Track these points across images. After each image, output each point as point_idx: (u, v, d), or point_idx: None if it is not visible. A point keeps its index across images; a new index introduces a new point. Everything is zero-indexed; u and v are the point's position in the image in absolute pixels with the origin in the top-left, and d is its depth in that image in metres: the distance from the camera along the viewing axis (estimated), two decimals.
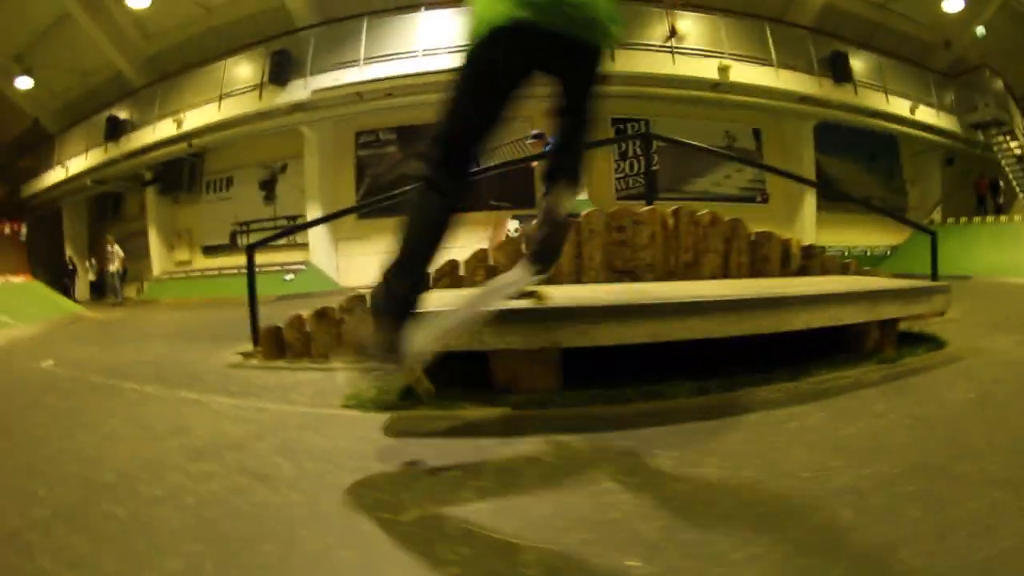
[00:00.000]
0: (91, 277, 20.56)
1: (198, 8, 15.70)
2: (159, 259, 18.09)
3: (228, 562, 1.45)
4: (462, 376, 2.86)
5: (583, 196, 12.92)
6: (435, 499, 1.72)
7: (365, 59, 12.79)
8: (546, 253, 2.70)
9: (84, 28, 16.61)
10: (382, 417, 2.58)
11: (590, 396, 2.60)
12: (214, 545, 1.52)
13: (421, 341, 1.95)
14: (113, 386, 3.84)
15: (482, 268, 4.06)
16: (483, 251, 4.18)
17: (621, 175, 15.10)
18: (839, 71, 15.00)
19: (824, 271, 4.46)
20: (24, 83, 18.59)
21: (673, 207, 4.32)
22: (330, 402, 2.95)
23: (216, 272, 15.72)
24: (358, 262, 14.00)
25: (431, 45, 12.43)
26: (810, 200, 15.53)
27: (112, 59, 17.39)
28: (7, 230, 21.47)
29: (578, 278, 4.15)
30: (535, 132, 8.79)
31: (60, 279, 18.63)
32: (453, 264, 4.08)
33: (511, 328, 2.59)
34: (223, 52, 15.04)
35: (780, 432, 2.18)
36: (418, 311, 2.06)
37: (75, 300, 14.73)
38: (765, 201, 16.08)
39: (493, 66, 1.94)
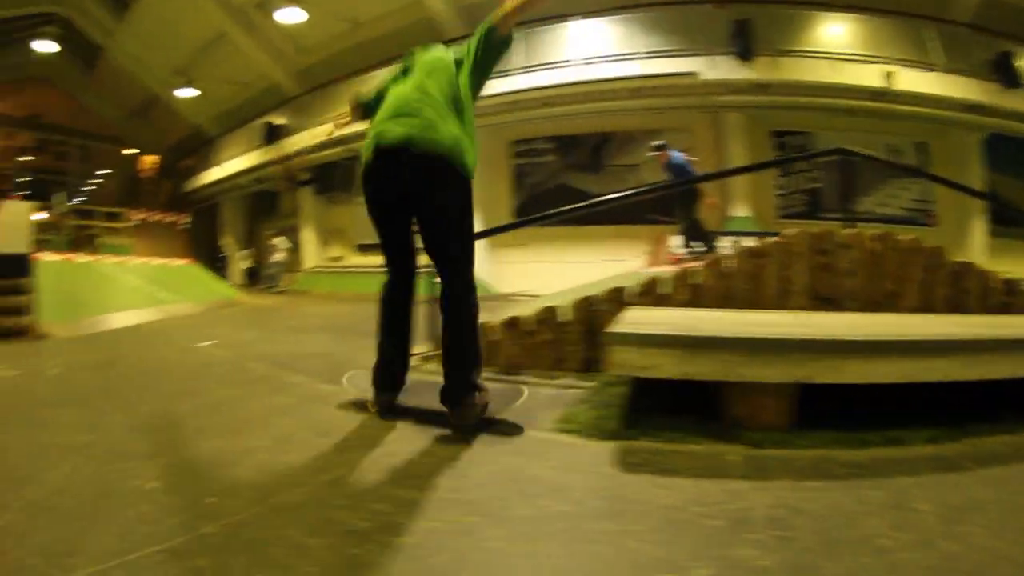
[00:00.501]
0: (248, 265, 22.65)
1: (346, 24, 16.69)
2: (312, 253, 19.56)
3: None
4: (665, 403, 2.78)
5: (746, 213, 13.07)
6: (717, 557, 1.54)
7: (520, 68, 13.03)
8: None
9: (240, 45, 18.40)
10: (606, 447, 2.41)
11: (829, 438, 2.43)
12: None
13: None
14: (278, 378, 3.94)
15: (685, 287, 3.95)
16: (686, 270, 4.06)
17: (783, 192, 14.20)
18: (1007, 74, 12.97)
19: None
20: (186, 93, 20.78)
21: (876, 231, 4.06)
22: (539, 423, 2.77)
23: (368, 269, 16.57)
24: (514, 269, 14.29)
25: (587, 54, 12.57)
26: (980, 224, 13.71)
27: (268, 71, 19.02)
28: (172, 221, 24.02)
29: (781, 303, 3.90)
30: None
31: (215, 266, 20.56)
32: (651, 282, 3.99)
33: (767, 359, 2.46)
34: (375, 63, 15.71)
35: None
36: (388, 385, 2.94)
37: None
38: (932, 224, 14.25)
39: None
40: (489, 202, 14.94)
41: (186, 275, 11.61)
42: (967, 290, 3.95)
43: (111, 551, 1.54)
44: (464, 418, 2.65)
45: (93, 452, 2.45)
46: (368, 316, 8.67)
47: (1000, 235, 13.59)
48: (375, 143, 2.62)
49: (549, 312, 4.03)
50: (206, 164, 22.92)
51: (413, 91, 2.71)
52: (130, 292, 9.13)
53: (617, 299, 3.95)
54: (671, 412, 2.68)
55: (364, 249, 18.13)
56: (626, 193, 7.18)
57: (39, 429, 2.83)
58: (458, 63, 2.91)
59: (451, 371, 2.72)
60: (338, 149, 16.69)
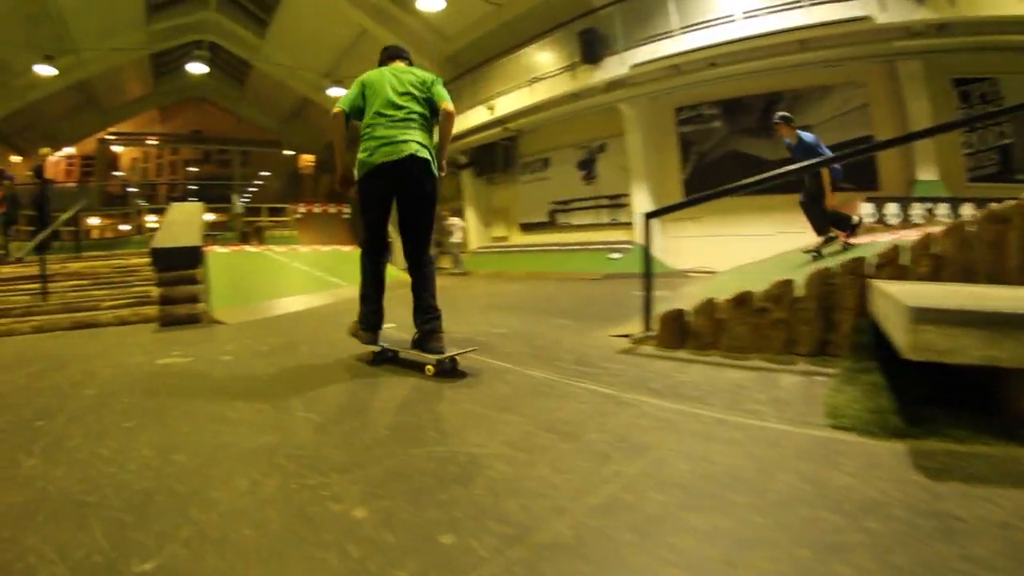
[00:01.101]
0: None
1: (489, 6, 16.29)
2: (476, 234, 19.57)
3: None
4: (925, 393, 2.44)
5: (932, 177, 11.13)
6: None
7: (680, 29, 11.91)
8: None
9: (382, 40, 18.21)
10: (895, 448, 2.11)
11: None
12: None
13: None
14: (488, 365, 3.60)
15: (927, 258, 3.33)
16: (927, 237, 3.39)
17: (971, 151, 11.76)
18: None
19: None
20: (336, 92, 21.42)
21: None
22: (806, 417, 2.44)
23: (535, 248, 16.37)
24: (685, 244, 13.36)
25: (749, 7, 11.14)
26: None
27: (415, 62, 18.84)
28: (333, 211, 25.39)
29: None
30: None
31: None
32: (893, 251, 3.42)
33: None
34: (524, 41, 15.38)
35: None
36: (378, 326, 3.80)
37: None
38: None
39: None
40: (657, 174, 14.18)
41: (353, 259, 11.61)
42: None
43: None
44: (442, 350, 3.43)
45: (277, 459, 2.10)
46: (545, 295, 8.20)
47: None
48: (395, 154, 3.49)
49: (783, 286, 3.61)
50: None
51: (408, 114, 3.60)
52: (299, 278, 9.26)
53: (856, 271, 3.45)
54: (940, 404, 2.38)
55: (527, 228, 17.99)
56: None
57: (213, 425, 2.55)
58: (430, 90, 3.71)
59: (432, 318, 3.55)
60: (496, 130, 16.54)
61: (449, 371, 3.33)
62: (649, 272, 4.42)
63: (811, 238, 7.56)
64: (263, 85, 26.05)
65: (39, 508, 1.73)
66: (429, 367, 3.33)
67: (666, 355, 3.74)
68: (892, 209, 10.11)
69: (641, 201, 13.96)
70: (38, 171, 10.79)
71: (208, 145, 31.82)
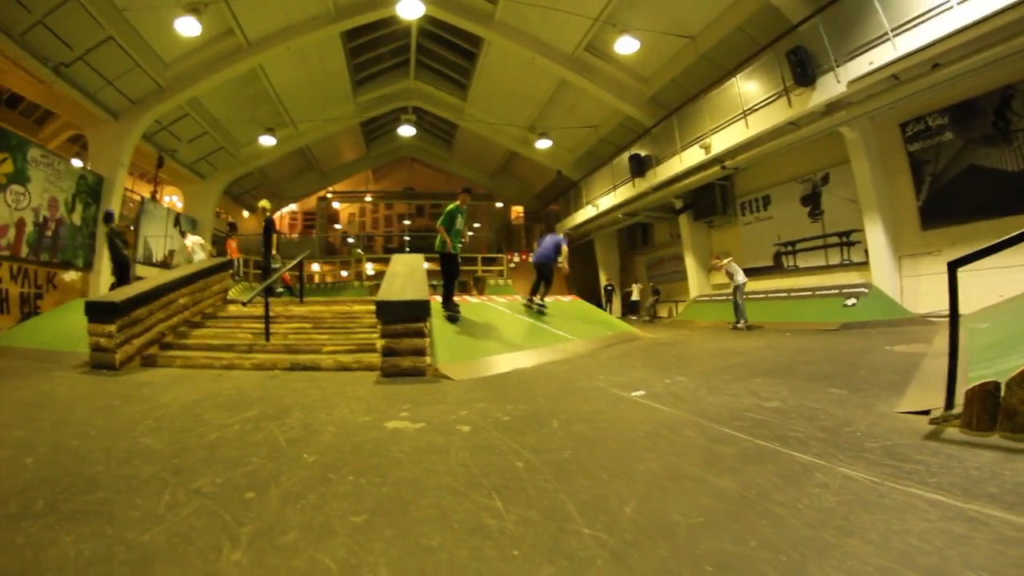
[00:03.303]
0: (636, 296, 23.13)
1: (682, 40, 15.50)
2: (696, 282, 18.60)
3: None
4: None
5: None
6: None
7: (892, 31, 10.03)
8: None
9: (581, 89, 18.66)
10: None
11: None
12: None
13: None
14: (776, 455, 2.81)
15: None
16: None
17: None
18: None
19: None
20: (543, 144, 21.94)
21: None
22: None
23: (760, 295, 14.56)
24: (926, 283, 11.44)
25: None
26: None
27: (616, 107, 18.82)
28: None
29: None
30: None
31: (597, 300, 20.90)
32: None
33: None
34: (726, 72, 14.35)
35: None
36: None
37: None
38: None
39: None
40: (889, 203, 12.38)
41: (575, 310, 11.12)
42: None
43: None
44: None
45: None
46: (791, 352, 6.92)
47: None
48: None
49: None
50: (576, 204, 23.67)
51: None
52: (523, 330, 8.72)
53: None
54: None
55: (751, 273, 15.86)
56: None
57: (471, 539, 1.89)
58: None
59: None
60: (712, 170, 15.31)
61: None
62: (955, 336, 3.42)
63: None
64: (469, 142, 27.16)
65: None
66: None
67: (979, 441, 2.88)
68: None
69: (875, 236, 12.23)
70: (269, 222, 11.52)
71: (419, 200, 34.31)
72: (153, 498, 2.30)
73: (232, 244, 15.11)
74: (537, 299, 10.20)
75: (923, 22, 9.51)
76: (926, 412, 3.39)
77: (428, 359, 6.02)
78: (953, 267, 3.49)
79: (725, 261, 12.46)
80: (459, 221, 8.20)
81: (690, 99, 15.80)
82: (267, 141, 20.43)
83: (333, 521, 1.99)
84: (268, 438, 3.22)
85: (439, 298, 8.17)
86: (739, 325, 12.03)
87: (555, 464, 2.70)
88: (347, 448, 3.01)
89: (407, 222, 33.49)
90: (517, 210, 33.36)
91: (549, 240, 10.51)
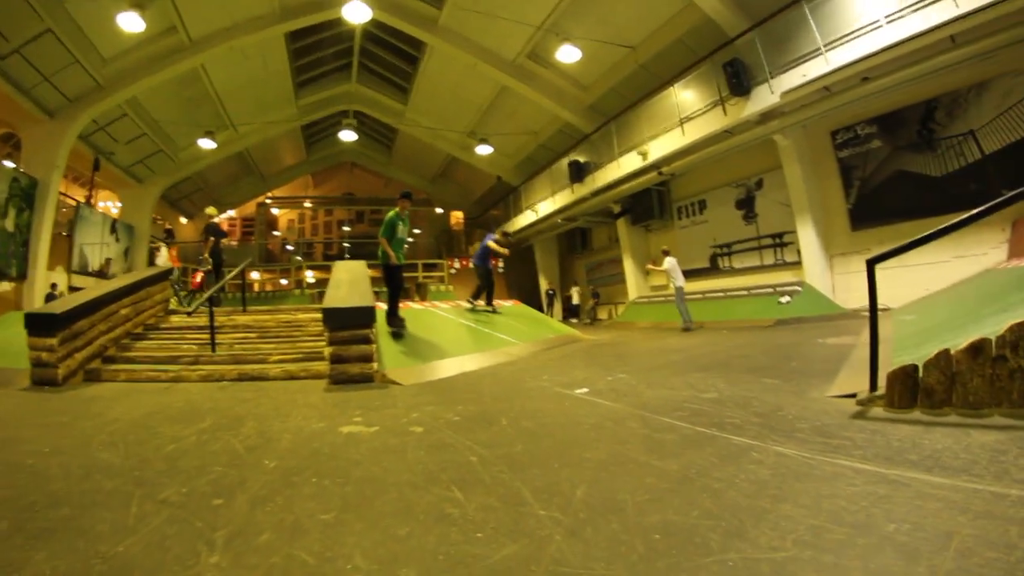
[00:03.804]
0: (576, 300, 23.69)
1: (622, 50, 15.88)
2: (634, 284, 19.06)
3: None
4: None
5: None
6: None
7: (825, 46, 10.69)
8: None
9: (522, 95, 18.85)
10: None
11: None
12: None
13: None
14: (714, 438, 3.07)
15: None
16: None
17: None
18: None
19: None
20: (483, 150, 22.03)
21: None
22: None
23: (697, 295, 14.98)
24: (856, 280, 11.94)
25: (891, 9, 9.68)
26: None
27: (556, 114, 19.13)
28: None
29: None
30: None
31: (538, 304, 21.06)
32: None
33: None
34: (664, 81, 14.80)
35: None
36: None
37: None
38: None
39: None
40: (820, 206, 13.09)
41: (516, 315, 11.32)
42: None
43: None
44: None
45: None
46: (728, 348, 7.32)
47: None
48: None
49: (1018, 331, 3.02)
50: (516, 210, 23.97)
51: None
52: (466, 335, 8.88)
53: None
54: None
55: (688, 275, 16.32)
56: None
57: (437, 527, 2.05)
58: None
59: None
60: (649, 176, 15.80)
61: None
62: (874, 325, 3.85)
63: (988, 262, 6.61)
64: (409, 147, 27.02)
65: None
66: None
67: (900, 417, 3.24)
68: None
69: (807, 237, 12.91)
70: (214, 228, 11.26)
71: (360, 206, 33.98)
72: (120, 511, 2.33)
73: (172, 252, 14.71)
74: (479, 302, 10.61)
75: (854, 39, 10.16)
76: (853, 395, 3.71)
77: (376, 365, 6.09)
78: (871, 264, 3.90)
79: (665, 264, 12.51)
80: (400, 229, 7.80)
81: (629, 107, 16.24)
82: (207, 144, 19.89)
83: (303, 520, 2.10)
84: (226, 447, 3.28)
85: (383, 305, 8.09)
86: (688, 327, 11.95)
87: (507, 457, 2.88)
88: (306, 453, 3.11)
89: (347, 228, 33.19)
90: (457, 215, 33.45)
91: (482, 242, 11.01)
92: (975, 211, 3.77)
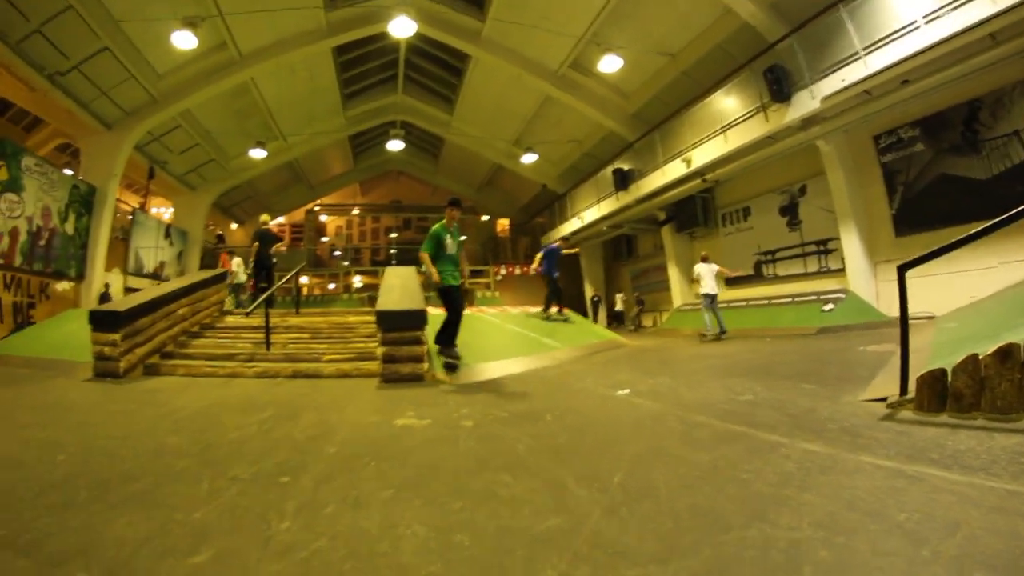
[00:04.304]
0: (621, 307, 23.82)
1: (663, 58, 15.98)
2: (679, 292, 18.99)
3: None
4: None
5: None
6: None
7: (864, 49, 10.64)
8: None
9: (566, 104, 19.11)
10: None
11: None
12: None
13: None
14: (745, 435, 3.21)
15: None
16: None
17: None
18: None
19: None
20: (529, 159, 22.28)
21: None
22: None
23: (743, 303, 15.05)
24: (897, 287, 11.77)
25: (929, 8, 9.60)
26: None
27: (600, 123, 19.31)
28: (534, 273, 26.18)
29: None
30: None
31: (583, 311, 21.20)
32: None
33: None
34: (706, 89, 14.90)
35: None
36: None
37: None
38: None
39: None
40: (864, 212, 12.91)
41: (563, 320, 11.42)
42: None
43: None
44: None
45: (577, 546, 1.80)
46: (769, 355, 7.42)
47: None
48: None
49: None
50: (562, 217, 24.21)
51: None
52: (513, 340, 9.05)
53: None
54: None
55: (733, 282, 16.57)
56: None
57: (488, 503, 2.22)
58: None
59: None
60: (693, 183, 15.84)
61: None
62: (905, 330, 3.86)
63: None
64: (455, 156, 27.52)
65: None
66: None
67: (928, 420, 3.31)
68: None
69: (851, 244, 12.74)
70: (261, 234, 11.66)
71: (407, 213, 34.61)
72: (193, 485, 2.55)
73: (225, 256, 15.27)
74: (552, 310, 11.18)
75: (892, 41, 10.05)
76: (884, 399, 3.75)
77: (426, 365, 6.32)
78: (902, 270, 3.91)
79: (696, 269, 12.21)
80: (449, 243, 6.59)
81: (671, 115, 16.28)
82: (257, 154, 20.55)
83: (365, 496, 2.30)
84: (287, 435, 3.51)
85: (434, 310, 8.10)
86: (706, 334, 11.76)
87: (552, 448, 3.05)
88: (364, 441, 3.33)
89: (394, 235, 33.77)
90: (503, 223, 33.81)
91: (545, 253, 11.47)
92: (999, 218, 3.77)
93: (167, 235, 20.04)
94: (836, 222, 13.09)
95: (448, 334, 6.56)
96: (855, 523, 1.95)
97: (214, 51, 15.51)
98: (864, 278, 12.57)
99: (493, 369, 6.83)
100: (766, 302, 14.27)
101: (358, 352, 7.34)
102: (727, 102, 13.97)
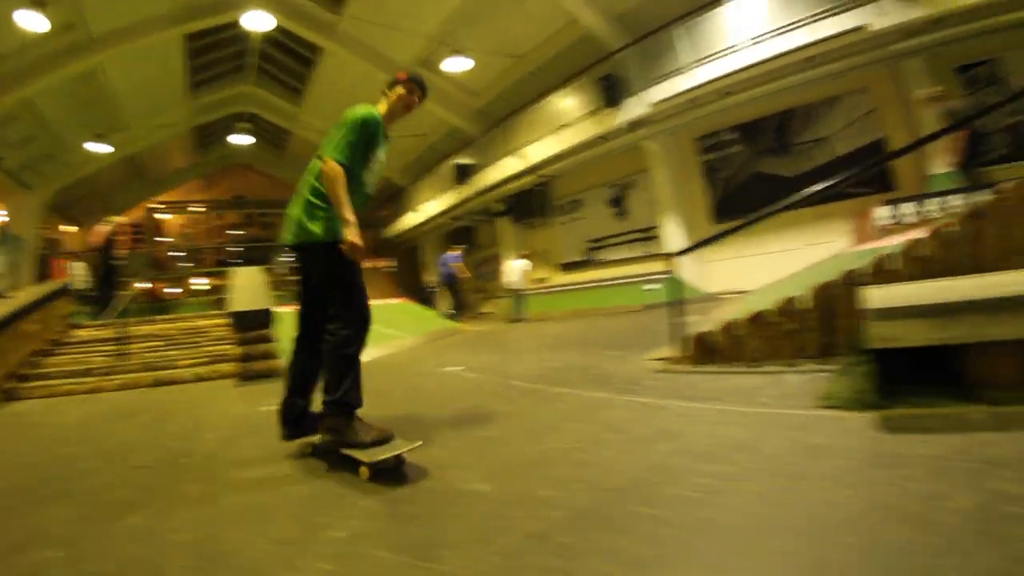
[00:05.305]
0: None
1: (510, 59, 16.94)
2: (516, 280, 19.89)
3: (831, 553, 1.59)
4: (914, 371, 2.94)
5: (945, 169, 11.21)
6: (978, 488, 1.90)
7: (692, 63, 12.44)
8: None
9: None
10: (867, 417, 2.76)
11: None
12: (798, 540, 1.68)
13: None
14: (544, 391, 4.23)
15: (914, 260, 3.85)
16: (914, 241, 3.88)
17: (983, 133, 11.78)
18: None
19: None
20: None
21: None
22: (803, 403, 3.15)
23: (575, 287, 16.72)
24: (719, 267, 13.75)
25: (754, 33, 11.57)
26: None
27: (445, 119, 19.87)
28: (378, 265, 26.33)
29: (1006, 264, 3.55)
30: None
31: (423, 300, 21.37)
32: (880, 261, 3.98)
33: (1009, 317, 2.63)
34: (547, 90, 16.16)
35: None
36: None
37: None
38: None
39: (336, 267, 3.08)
40: (685, 203, 14.64)
41: (403, 311, 12.33)
42: None
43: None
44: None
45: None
46: (591, 331, 8.62)
47: None
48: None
49: (790, 302, 4.19)
50: (404, 209, 24.81)
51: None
52: None
53: (851, 281, 4.01)
54: (916, 383, 2.91)
55: (567, 268, 18.36)
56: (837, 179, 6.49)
57: None
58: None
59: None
60: (530, 177, 17.13)
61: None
62: (678, 301, 5.14)
63: (837, 246, 8.13)
64: (303, 149, 26.76)
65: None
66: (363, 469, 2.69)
67: (696, 371, 4.35)
68: (909, 208, 9.99)
69: (671, 232, 14.49)
70: (113, 237, 11.37)
71: (250, 208, 33.22)
72: (105, 476, 3.00)
73: (62, 262, 14.49)
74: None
75: (718, 58, 11.88)
76: (667, 359, 4.82)
77: (279, 361, 6.73)
78: (678, 254, 5.70)
79: (520, 262, 14.68)
80: (380, 160, 3.51)
81: (512, 112, 17.44)
82: (101, 148, 19.29)
83: (247, 460, 3.14)
84: (169, 430, 4.13)
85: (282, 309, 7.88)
86: (516, 318, 14.07)
87: (393, 417, 3.80)
88: (236, 426, 4.06)
89: (238, 232, 32.48)
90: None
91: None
92: (765, 210, 5.05)
93: (4, 240, 18.39)
94: (660, 212, 14.81)
95: (348, 374, 3.07)
96: (607, 438, 2.91)
97: (63, 32, 14.06)
98: (686, 260, 14.27)
99: None
100: (597, 285, 15.99)
101: (212, 355, 7.61)
102: (565, 103, 15.37)
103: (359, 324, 3.04)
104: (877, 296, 3.15)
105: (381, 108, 3.38)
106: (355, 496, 2.44)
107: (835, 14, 10.72)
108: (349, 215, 2.93)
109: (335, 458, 2.86)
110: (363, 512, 2.27)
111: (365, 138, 3.16)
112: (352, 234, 2.91)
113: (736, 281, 12.29)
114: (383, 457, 2.61)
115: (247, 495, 2.59)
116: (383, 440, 2.76)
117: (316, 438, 3.14)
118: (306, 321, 3.29)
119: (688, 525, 1.84)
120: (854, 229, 10.72)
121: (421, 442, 2.80)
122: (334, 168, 3.01)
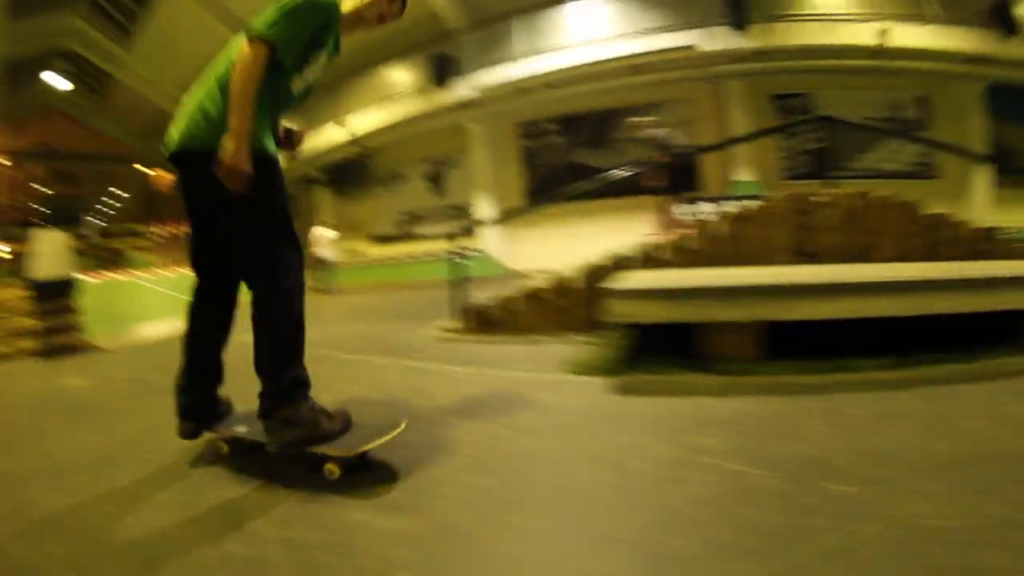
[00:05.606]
0: None
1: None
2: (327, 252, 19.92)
3: (523, 488, 1.92)
4: (663, 346, 3.37)
5: (750, 177, 13.29)
6: (679, 442, 2.21)
7: (524, 54, 13.49)
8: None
9: None
10: (609, 381, 3.13)
11: (789, 367, 3.00)
12: (497, 476, 2.00)
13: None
14: (334, 356, 4.64)
15: (679, 251, 4.62)
16: (683, 235, 4.77)
17: (787, 154, 13.99)
18: (1004, 22, 12.48)
19: (1009, 255, 4.35)
20: None
21: (855, 190, 4.53)
22: (553, 368, 3.60)
23: (389, 260, 17.33)
24: (527, 247, 14.71)
25: (587, 36, 12.93)
26: (984, 175, 13.29)
27: None
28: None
29: (765, 260, 4.38)
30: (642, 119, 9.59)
31: None
32: (651, 248, 4.69)
33: (732, 302, 3.08)
34: (379, 59, 16.43)
35: (951, 403, 2.54)
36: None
37: None
38: (934, 177, 13.83)
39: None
40: (502, 184, 15.58)
41: None
42: (941, 240, 4.38)
43: None
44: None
45: None
46: (397, 303, 9.33)
47: (1008, 186, 13.05)
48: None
49: (561, 280, 4.76)
50: None
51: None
52: (167, 302, 9.64)
53: (621, 266, 4.63)
54: (663, 354, 3.32)
55: (383, 241, 18.97)
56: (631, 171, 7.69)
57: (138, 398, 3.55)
58: None
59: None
60: (353, 148, 17.53)
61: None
62: (463, 277, 5.99)
63: (639, 234, 9.14)
64: (124, 97, 24.71)
65: None
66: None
67: (473, 340, 4.88)
68: (707, 207, 10.84)
69: (485, 211, 15.33)
70: None
71: (59, 160, 29.12)
72: None
73: None
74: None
75: (550, 53, 13.09)
76: (452, 330, 5.33)
77: (83, 334, 6.59)
78: (488, 224, 6.45)
79: (324, 231, 14.85)
80: (319, 64, 2.47)
81: (339, 78, 17.25)
82: None
83: (55, 433, 3.27)
84: None
85: (88, 277, 7.87)
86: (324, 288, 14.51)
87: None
88: (43, 400, 4.13)
89: (45, 190, 28.74)
90: (165, 177, 30.09)
91: None
92: (567, 189, 5.80)
93: None
94: (476, 190, 15.66)
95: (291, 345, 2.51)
96: (377, 395, 3.33)
97: None
98: (496, 238, 15.26)
99: (148, 331, 7.64)
100: (411, 259, 16.70)
101: (12, 329, 6.88)
102: (395, 76, 15.98)
103: (287, 272, 2.34)
104: (629, 280, 3.64)
105: (346, 4, 2.42)
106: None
107: (668, 31, 12.21)
108: (243, 120, 2.06)
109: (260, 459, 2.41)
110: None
111: (315, 23, 2.25)
112: (234, 148, 2.03)
113: (544, 261, 12.81)
114: (366, 448, 2.14)
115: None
116: (349, 426, 2.27)
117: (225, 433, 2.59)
118: (201, 270, 2.57)
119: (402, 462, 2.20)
120: (657, 221, 11.69)
121: (407, 422, 2.36)
122: (255, 48, 2.15)
